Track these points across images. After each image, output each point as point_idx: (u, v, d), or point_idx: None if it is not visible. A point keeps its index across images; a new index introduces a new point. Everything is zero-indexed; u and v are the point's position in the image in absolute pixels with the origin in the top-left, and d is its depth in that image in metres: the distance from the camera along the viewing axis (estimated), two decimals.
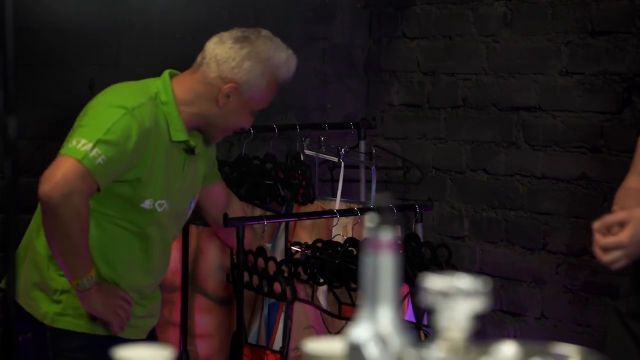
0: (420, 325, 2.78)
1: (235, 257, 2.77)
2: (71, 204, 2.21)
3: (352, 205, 2.96)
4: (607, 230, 1.99)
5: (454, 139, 3.52)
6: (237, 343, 2.74)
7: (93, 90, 3.12)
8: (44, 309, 2.36)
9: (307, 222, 2.95)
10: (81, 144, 2.23)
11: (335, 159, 3.03)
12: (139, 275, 2.41)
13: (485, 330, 3.27)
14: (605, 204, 3.06)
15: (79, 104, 3.10)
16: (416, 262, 2.77)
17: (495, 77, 3.37)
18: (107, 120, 2.27)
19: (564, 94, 3.16)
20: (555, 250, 3.20)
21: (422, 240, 2.90)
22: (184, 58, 3.29)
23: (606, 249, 1.97)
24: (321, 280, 2.81)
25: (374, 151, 3.17)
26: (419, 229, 2.98)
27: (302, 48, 3.59)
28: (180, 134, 2.39)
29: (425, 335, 2.71)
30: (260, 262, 2.72)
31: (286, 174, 2.96)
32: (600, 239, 1.98)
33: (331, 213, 2.84)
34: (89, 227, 2.29)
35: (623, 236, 1.94)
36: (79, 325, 2.34)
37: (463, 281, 1.10)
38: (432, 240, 3.15)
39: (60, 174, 2.21)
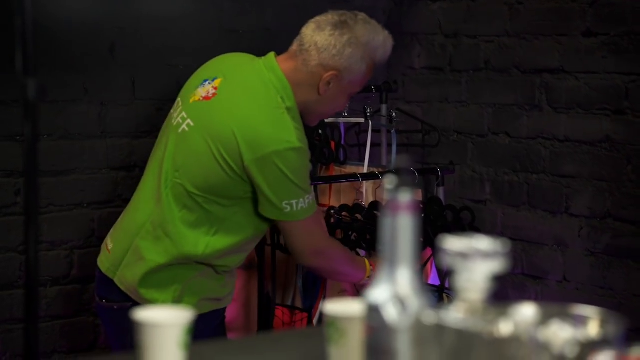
0: (443, 288, 2.78)
1: None
2: (324, 253, 2.42)
3: (373, 169, 2.96)
4: None
5: (476, 102, 3.49)
6: (266, 304, 2.76)
7: (113, 53, 3.13)
8: (161, 300, 2.37)
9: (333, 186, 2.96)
10: (298, 205, 2.31)
11: (362, 120, 3.03)
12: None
13: (506, 293, 3.27)
14: (629, 167, 3.04)
15: (99, 68, 3.13)
16: (439, 225, 2.76)
17: (518, 39, 3.33)
18: (294, 171, 2.28)
19: (588, 56, 3.13)
20: (577, 214, 3.18)
21: (444, 204, 2.89)
22: (204, 19, 3.30)
23: None
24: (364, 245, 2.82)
25: (393, 114, 3.16)
26: (440, 193, 2.97)
27: (323, 11, 3.56)
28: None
29: (448, 298, 2.72)
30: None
31: (309, 137, 2.97)
32: None
33: (354, 177, 2.84)
34: (340, 249, 2.53)
35: None
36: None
37: (481, 242, 1.10)
38: (453, 204, 3.14)
39: (311, 240, 2.39)
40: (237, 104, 2.32)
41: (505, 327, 1.06)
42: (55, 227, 3.07)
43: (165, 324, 1.28)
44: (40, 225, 3.01)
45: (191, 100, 2.39)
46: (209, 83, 2.38)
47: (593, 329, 1.10)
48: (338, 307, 1.35)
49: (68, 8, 3.05)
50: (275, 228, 2.77)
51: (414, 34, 3.68)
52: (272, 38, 3.37)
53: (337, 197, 2.99)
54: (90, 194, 3.12)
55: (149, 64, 3.19)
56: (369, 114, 3.04)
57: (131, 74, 3.18)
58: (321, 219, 2.50)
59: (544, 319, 1.11)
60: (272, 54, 2.41)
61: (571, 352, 1.03)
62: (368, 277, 2.54)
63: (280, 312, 2.82)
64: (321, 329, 1.38)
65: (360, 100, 3.27)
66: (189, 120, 2.36)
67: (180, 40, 3.24)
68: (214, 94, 2.36)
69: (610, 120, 3.08)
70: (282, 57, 2.41)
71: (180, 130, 2.37)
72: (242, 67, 2.41)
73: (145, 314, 1.30)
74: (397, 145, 3.18)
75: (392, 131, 3.04)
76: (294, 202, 2.29)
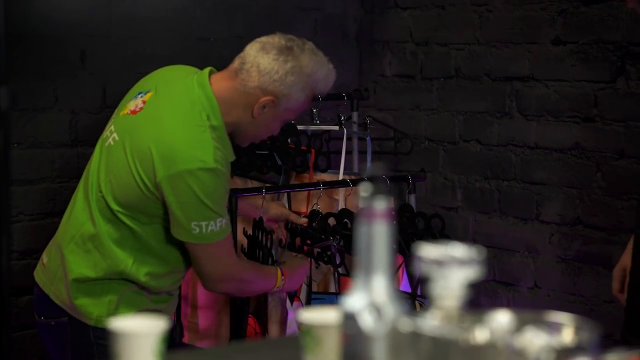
0: (415, 295, 2.78)
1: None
2: (232, 279, 2.39)
3: (346, 177, 2.96)
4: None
5: (447, 110, 3.51)
6: (239, 314, 2.75)
7: (84, 61, 3.11)
8: (96, 313, 2.32)
9: (304, 193, 2.96)
10: (208, 228, 2.24)
11: (336, 128, 3.03)
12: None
13: (478, 300, 3.29)
14: (598, 174, 3.07)
15: (70, 76, 3.11)
16: (410, 232, 2.77)
17: (488, 47, 3.35)
18: (206, 192, 2.21)
19: (557, 64, 3.15)
20: (548, 220, 3.20)
21: (415, 211, 2.90)
22: (176, 27, 3.30)
23: None
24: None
25: (368, 122, 3.16)
26: (412, 200, 2.98)
27: (294, 19, 3.58)
28: (231, 155, 2.34)
29: (420, 306, 2.72)
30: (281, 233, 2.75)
31: (282, 144, 2.96)
32: None
33: (316, 185, 2.84)
34: (250, 272, 2.51)
35: None
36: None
37: (457, 250, 1.10)
38: (425, 211, 3.15)
39: (220, 266, 2.34)
40: (159, 119, 2.26)
41: (481, 335, 1.06)
42: (26, 236, 3.05)
43: (140, 333, 1.27)
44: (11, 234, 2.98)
45: (121, 114, 2.35)
46: (141, 96, 2.34)
47: (568, 336, 1.10)
48: (313, 315, 1.35)
49: (38, 16, 3.03)
50: (254, 239, 2.77)
51: (385, 42, 3.70)
52: (243, 45, 3.33)
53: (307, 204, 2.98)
54: (61, 203, 3.09)
55: (120, 72, 3.18)
56: (343, 122, 3.04)
57: (102, 81, 3.16)
58: (232, 245, 2.41)
59: (519, 326, 1.12)
60: (207, 70, 2.34)
61: (547, 359, 1.03)
62: (278, 286, 2.54)
63: (252, 321, 2.82)
64: (296, 337, 1.38)
65: (331, 108, 3.27)
66: (114, 134, 2.32)
67: (151, 47, 3.23)
68: (140, 108, 2.30)
69: (580, 127, 3.11)
70: (221, 74, 2.34)
71: (107, 144, 2.33)
72: (175, 82, 2.35)
73: (120, 324, 1.29)
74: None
75: (367, 138, 3.05)
76: (203, 224, 2.22)
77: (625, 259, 2.21)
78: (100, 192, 2.30)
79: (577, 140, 3.11)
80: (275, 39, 2.30)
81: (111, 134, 2.33)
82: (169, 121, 2.26)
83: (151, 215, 2.28)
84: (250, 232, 2.79)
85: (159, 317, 1.34)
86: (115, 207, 2.27)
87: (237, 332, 2.78)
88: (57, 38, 3.07)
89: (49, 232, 3.07)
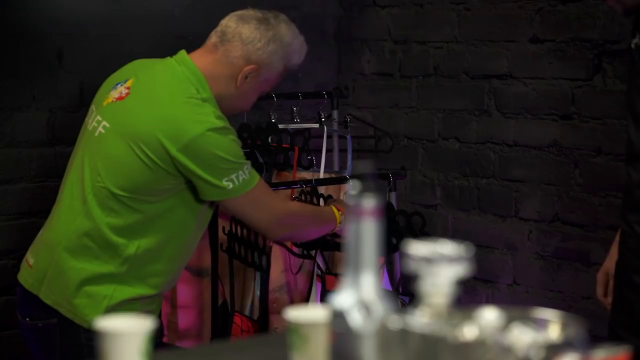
0: (397, 293, 2.79)
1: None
2: (287, 218, 2.41)
3: (327, 175, 2.95)
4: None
5: (426, 108, 3.52)
6: (223, 312, 2.75)
7: (61, 59, 3.09)
8: (91, 315, 2.29)
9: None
10: (239, 178, 2.27)
11: (317, 125, 3.03)
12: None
13: (457, 297, 3.29)
14: (576, 171, 3.09)
15: (47, 74, 3.08)
16: (391, 230, 2.77)
17: (467, 45, 3.37)
18: (222, 147, 2.25)
19: (535, 61, 3.17)
20: (526, 217, 3.22)
21: (395, 209, 2.90)
22: (154, 25, 3.28)
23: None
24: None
25: (348, 120, 3.16)
26: (392, 198, 2.98)
27: None
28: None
29: (402, 304, 2.73)
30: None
31: (263, 142, 2.96)
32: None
33: (298, 183, 2.84)
34: (302, 207, 2.57)
35: None
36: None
37: (446, 247, 1.11)
38: (404, 208, 3.16)
39: (270, 208, 2.36)
40: (151, 98, 2.29)
41: (469, 331, 1.07)
42: (3, 236, 3.02)
43: (127, 332, 1.27)
44: None
45: (104, 104, 2.36)
46: (121, 85, 2.36)
47: (554, 332, 1.11)
48: (300, 313, 1.35)
49: (14, 14, 3.01)
50: (234, 236, 2.76)
51: (363, 40, 3.70)
52: None
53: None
54: (39, 203, 3.07)
55: (98, 70, 3.14)
56: (323, 120, 3.04)
57: (79, 80, 3.14)
58: (268, 186, 2.46)
59: (506, 323, 1.12)
60: (183, 51, 2.39)
61: (536, 355, 1.04)
62: (340, 222, 2.53)
63: (238, 320, 2.81)
64: (284, 335, 1.38)
65: (311, 106, 3.27)
66: (104, 122, 2.32)
67: (129, 46, 3.21)
68: (127, 94, 2.32)
69: (558, 125, 3.12)
70: (198, 51, 2.38)
71: (96, 134, 2.32)
72: (153, 66, 2.39)
73: (106, 323, 1.28)
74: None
75: (348, 137, 3.05)
76: (233, 176, 2.26)
77: (609, 263, 2.22)
78: (101, 182, 2.28)
79: (555, 137, 3.13)
80: (251, 11, 2.38)
81: (99, 124, 2.33)
82: (162, 98, 2.29)
83: (162, 193, 2.28)
84: (228, 230, 2.79)
85: (145, 317, 1.34)
86: (120, 192, 2.27)
87: (219, 332, 2.78)
88: (33, 36, 3.05)
89: (27, 232, 3.05)
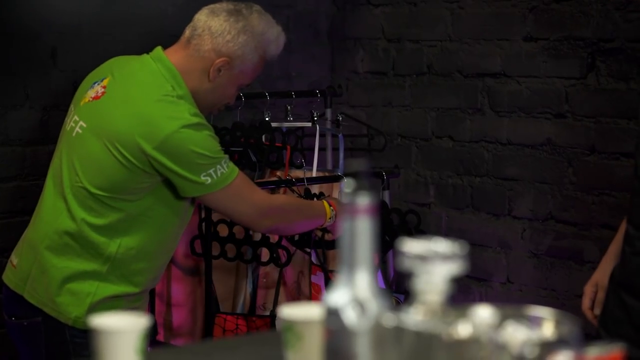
0: (391, 291, 2.80)
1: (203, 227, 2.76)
2: (270, 210, 2.38)
3: (319, 173, 2.96)
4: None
5: (419, 106, 3.52)
6: (209, 312, 2.74)
7: (55, 58, 3.08)
8: (75, 312, 2.30)
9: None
10: (217, 172, 2.26)
11: (309, 124, 3.03)
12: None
13: (451, 295, 3.30)
14: (570, 169, 3.09)
15: (41, 73, 3.08)
16: (385, 229, 2.78)
17: (460, 44, 3.37)
18: (198, 143, 2.24)
19: (529, 60, 3.18)
20: (520, 216, 3.22)
21: (389, 207, 2.91)
22: (147, 23, 3.27)
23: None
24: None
25: (340, 119, 3.17)
26: (386, 196, 2.99)
27: None
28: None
29: (396, 302, 2.73)
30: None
31: (257, 140, 2.96)
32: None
33: (292, 182, 2.84)
34: (287, 200, 2.56)
35: None
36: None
37: (441, 245, 1.11)
38: (398, 207, 3.16)
39: (252, 201, 2.35)
40: (126, 97, 2.29)
41: (464, 329, 1.07)
42: None
43: (121, 330, 1.27)
44: None
45: (82, 103, 2.36)
46: (98, 84, 2.36)
47: (548, 330, 1.11)
48: (295, 311, 1.35)
49: (8, 13, 3.00)
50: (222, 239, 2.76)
51: (357, 39, 3.70)
52: None
53: None
54: (32, 201, 3.06)
55: (91, 69, 3.13)
56: (315, 118, 3.05)
57: (73, 78, 3.13)
58: (248, 179, 2.43)
59: (500, 321, 1.12)
60: (158, 48, 2.39)
61: (530, 352, 1.04)
62: (330, 218, 2.51)
63: (221, 320, 2.80)
64: (279, 333, 1.38)
65: (304, 105, 3.27)
66: (81, 122, 2.32)
67: (123, 45, 3.20)
68: (102, 93, 2.32)
69: (551, 123, 3.13)
70: (173, 47, 2.39)
71: (74, 134, 2.32)
72: (129, 64, 2.39)
73: (101, 321, 1.28)
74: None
75: (340, 135, 3.05)
76: (211, 171, 2.25)
77: (598, 276, 2.21)
78: (79, 182, 2.28)
79: (549, 136, 3.14)
80: (223, 4, 2.38)
81: (76, 124, 2.33)
82: (137, 96, 2.28)
83: (138, 191, 2.28)
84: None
85: (140, 315, 1.34)
86: (98, 192, 2.26)
87: (210, 331, 2.78)
88: (27, 35, 3.04)
89: (20, 230, 3.03)
